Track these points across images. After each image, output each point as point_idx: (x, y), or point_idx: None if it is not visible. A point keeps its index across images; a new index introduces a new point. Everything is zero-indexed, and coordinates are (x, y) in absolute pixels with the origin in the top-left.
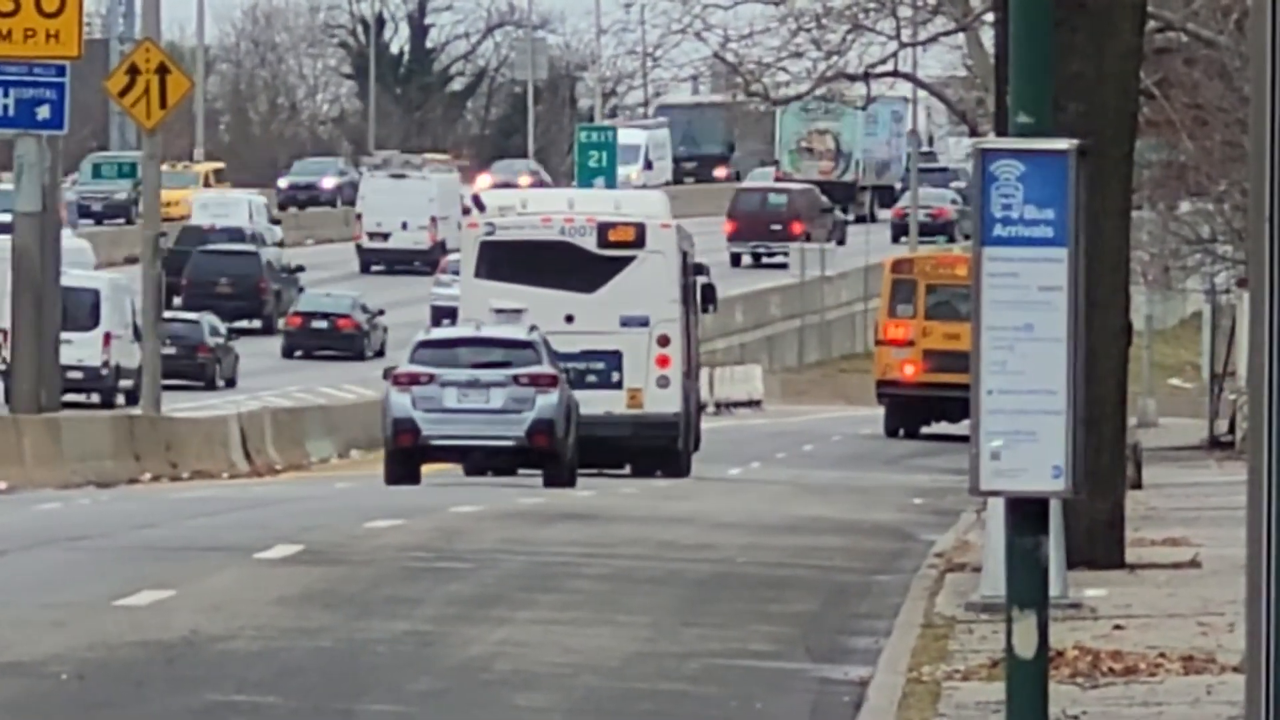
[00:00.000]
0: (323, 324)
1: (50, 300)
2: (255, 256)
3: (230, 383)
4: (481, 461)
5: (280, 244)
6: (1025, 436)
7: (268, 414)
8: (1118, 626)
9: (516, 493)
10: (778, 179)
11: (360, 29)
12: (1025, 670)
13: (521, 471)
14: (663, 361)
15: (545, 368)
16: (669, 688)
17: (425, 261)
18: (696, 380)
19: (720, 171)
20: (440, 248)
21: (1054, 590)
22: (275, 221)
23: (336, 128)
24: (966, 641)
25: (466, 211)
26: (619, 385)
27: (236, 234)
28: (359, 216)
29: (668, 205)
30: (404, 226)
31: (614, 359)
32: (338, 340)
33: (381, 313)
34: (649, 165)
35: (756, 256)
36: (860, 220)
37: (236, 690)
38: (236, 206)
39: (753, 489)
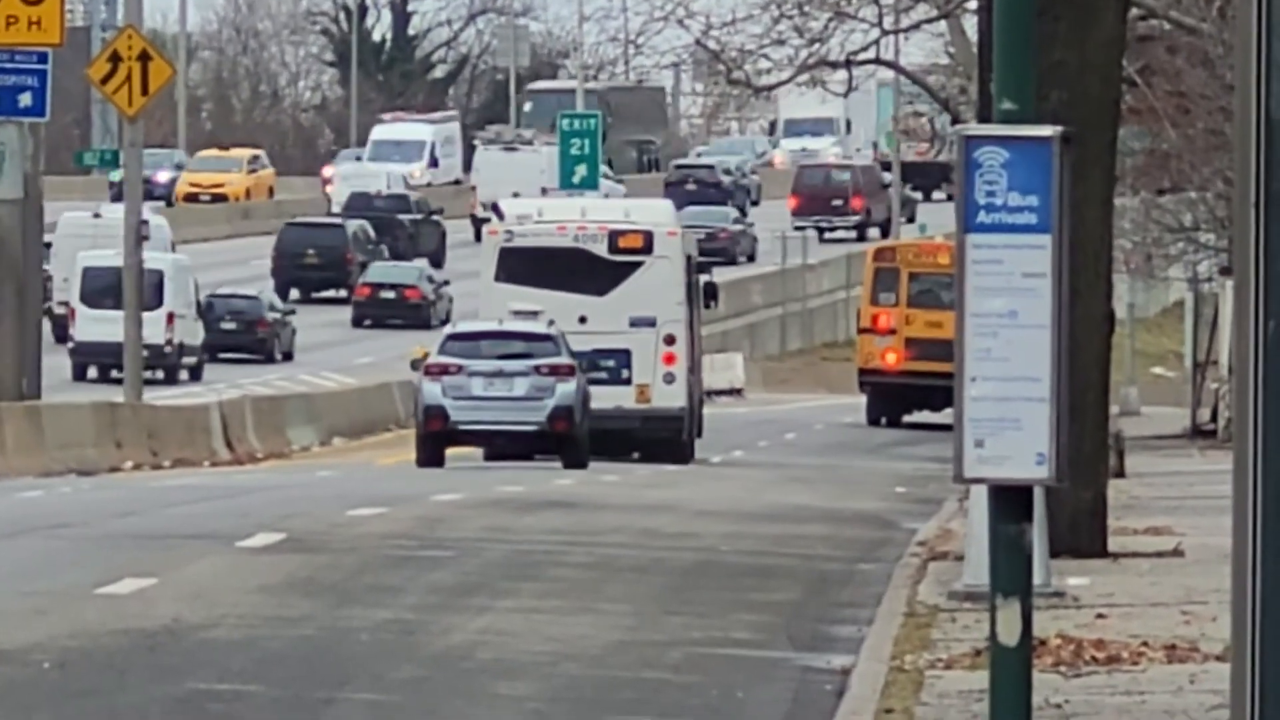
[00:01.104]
0: (390, 294)
1: (33, 288)
2: (341, 229)
3: (288, 356)
4: (505, 446)
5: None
6: (1009, 424)
7: (249, 402)
8: (1100, 615)
9: (510, 478)
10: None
11: (342, 16)
12: (1009, 658)
13: (537, 456)
14: (669, 359)
15: (564, 359)
16: (651, 676)
17: None
18: (699, 374)
19: (330, 170)
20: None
21: (1037, 579)
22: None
23: (319, 115)
24: (949, 630)
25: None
26: (629, 381)
27: (402, 200)
28: (473, 188)
29: (674, 213)
30: (515, 197)
31: (624, 357)
32: (405, 310)
33: (447, 283)
34: (434, 163)
35: (820, 231)
36: (950, 199)
37: (218, 678)
38: (375, 178)
39: (735, 477)
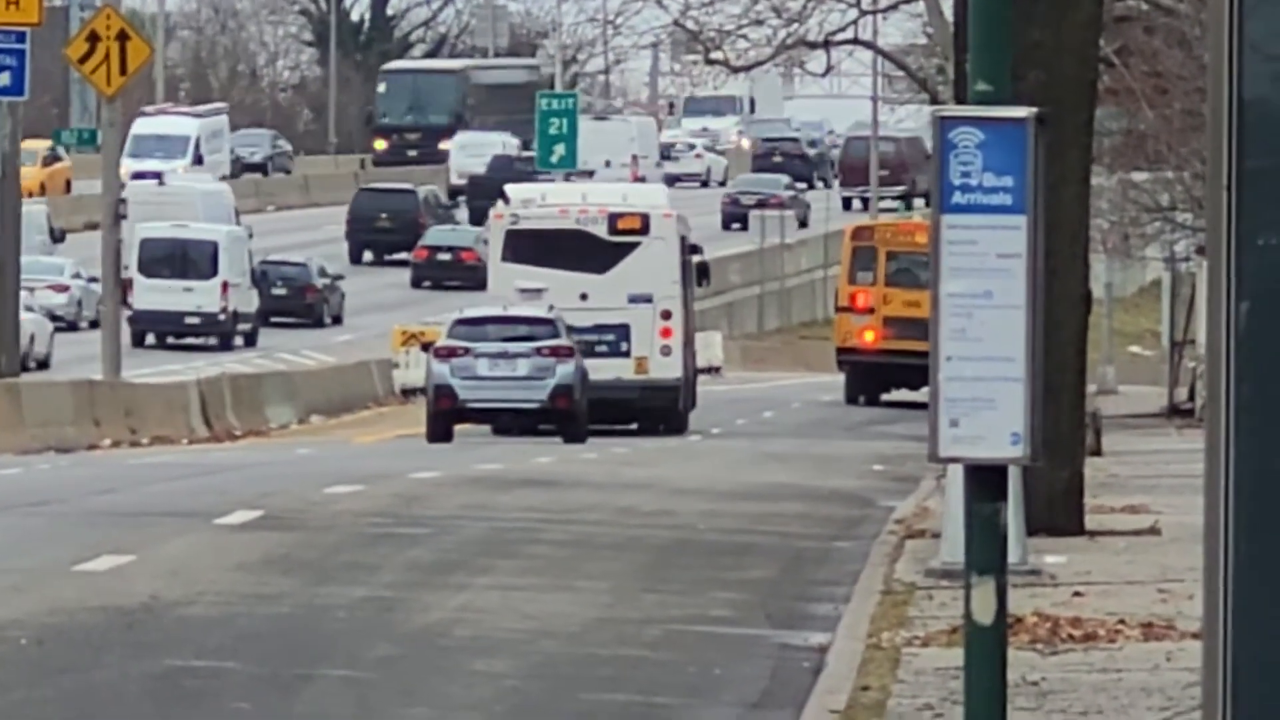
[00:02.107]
0: (446, 256)
1: (10, 267)
2: (413, 194)
3: (337, 320)
4: (509, 421)
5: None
6: (984, 404)
7: (227, 380)
8: (1077, 593)
9: (498, 454)
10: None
11: None
12: (984, 636)
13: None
14: (665, 333)
15: (564, 341)
16: (628, 653)
17: None
18: (693, 348)
19: (447, 144)
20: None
21: (1013, 557)
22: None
23: (297, 95)
24: (926, 608)
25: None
26: (627, 354)
27: (510, 164)
28: None
29: (668, 196)
30: (607, 164)
31: (623, 331)
32: (461, 271)
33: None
34: (199, 159)
35: (865, 201)
36: None
37: (195, 655)
38: (490, 145)
39: (713, 455)
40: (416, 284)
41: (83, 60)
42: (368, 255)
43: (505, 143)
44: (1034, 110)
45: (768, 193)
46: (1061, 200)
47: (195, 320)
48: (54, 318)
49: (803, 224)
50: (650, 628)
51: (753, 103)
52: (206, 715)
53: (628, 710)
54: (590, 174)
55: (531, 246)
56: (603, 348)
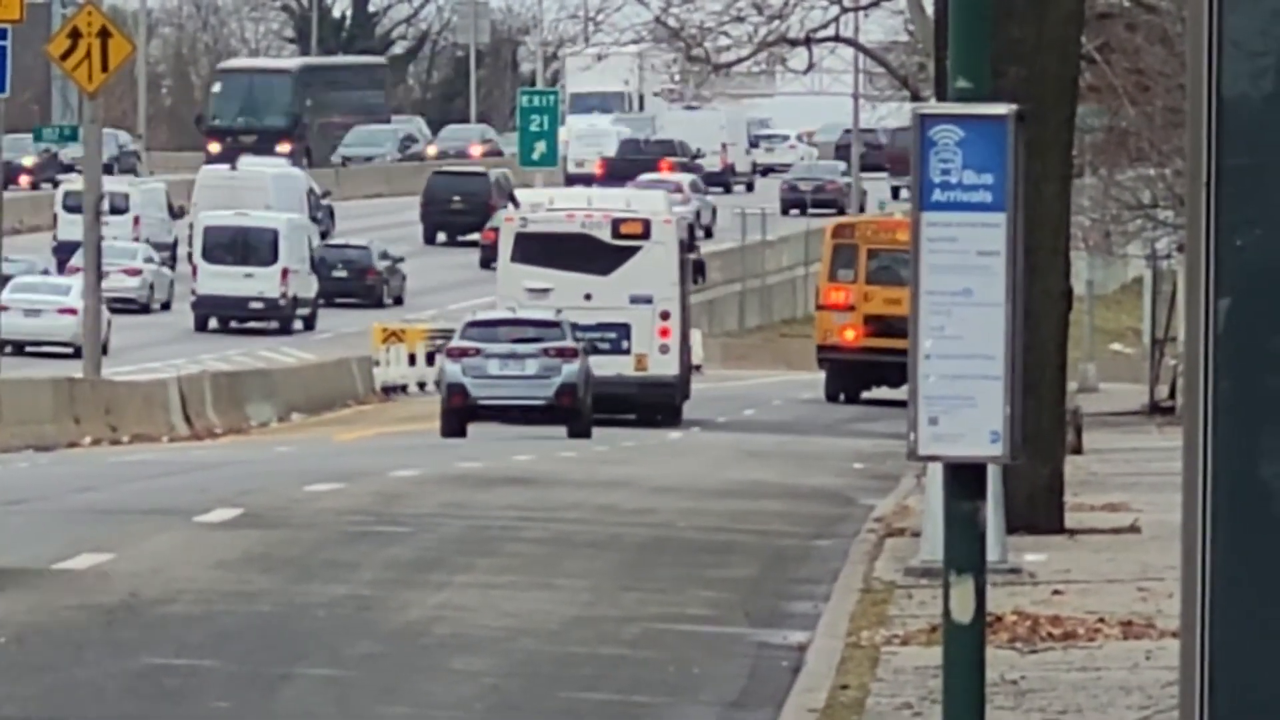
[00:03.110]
0: None
1: None
2: (485, 177)
3: (398, 300)
4: (518, 418)
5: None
6: (963, 402)
7: (207, 377)
8: (1057, 592)
9: (479, 451)
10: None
11: None
12: (962, 635)
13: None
14: (664, 333)
15: (569, 342)
16: (607, 652)
17: (718, 182)
18: (689, 344)
19: (285, 146)
20: (730, 170)
21: (993, 555)
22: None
23: None
24: (905, 606)
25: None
26: (628, 352)
27: (671, 144)
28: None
29: (669, 202)
30: (698, 154)
31: (624, 330)
32: None
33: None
34: None
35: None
36: None
37: (175, 653)
38: (606, 135)
39: (693, 453)
40: (485, 265)
41: (64, 57)
42: (441, 236)
43: (620, 133)
44: (1014, 107)
45: (826, 179)
46: (1043, 197)
47: (257, 305)
48: (126, 301)
49: (861, 209)
50: (630, 626)
51: (641, 99)
52: (187, 713)
53: (607, 708)
54: (511, 195)
55: (539, 249)
56: (605, 345)
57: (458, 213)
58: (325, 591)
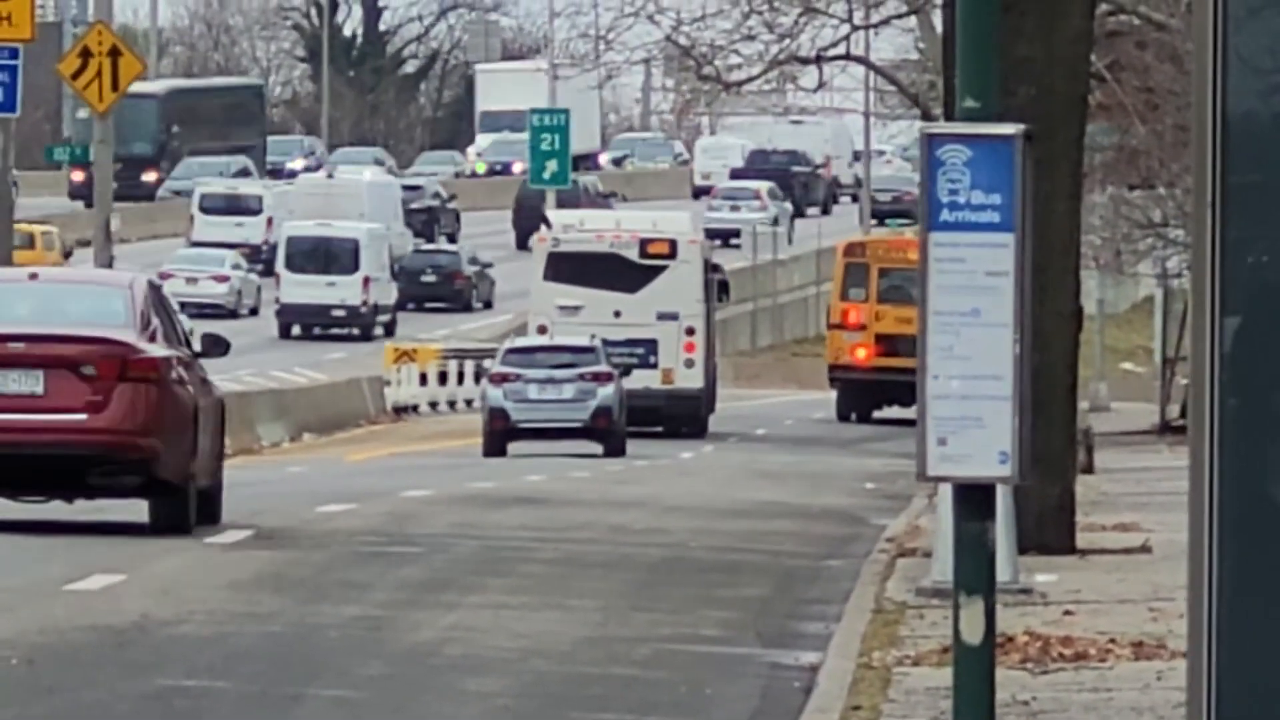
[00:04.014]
0: None
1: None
2: (574, 183)
3: (488, 304)
4: (556, 439)
5: None
6: (972, 422)
7: None
8: (1068, 612)
9: (510, 473)
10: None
11: (314, 11)
12: (972, 656)
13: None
14: (689, 348)
15: (604, 367)
16: (619, 672)
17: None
18: (714, 358)
19: (150, 175)
20: (834, 183)
21: (1005, 575)
22: None
23: (289, 110)
24: (917, 627)
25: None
26: (655, 366)
27: (797, 155)
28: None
29: (694, 223)
30: (801, 164)
31: (651, 345)
32: None
33: None
34: None
35: None
36: None
37: (186, 675)
38: (731, 148)
39: (704, 473)
40: None
41: (75, 76)
42: (533, 241)
43: (743, 147)
44: (1022, 127)
45: (903, 189)
46: (1052, 216)
47: (339, 312)
48: (214, 306)
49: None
50: (641, 646)
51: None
52: None
53: None
54: (544, 217)
55: (570, 268)
56: (633, 360)
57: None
58: (337, 612)
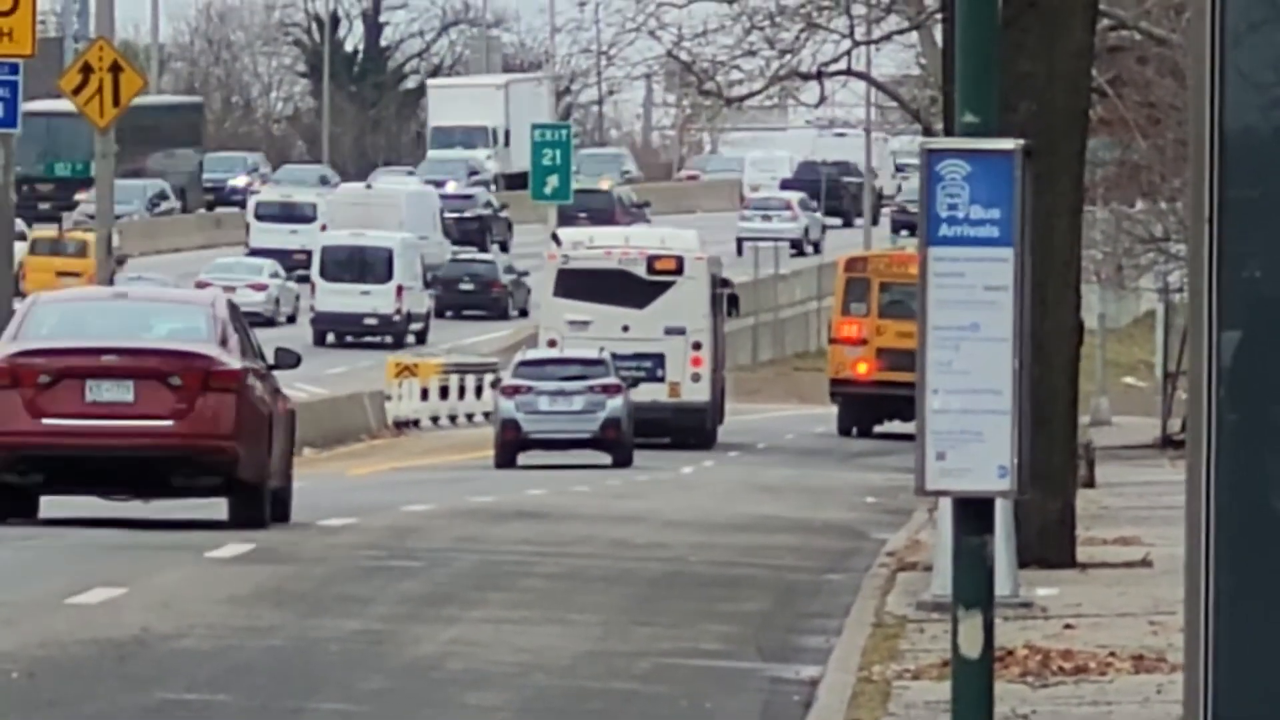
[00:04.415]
0: None
1: (3, 298)
2: (609, 194)
3: (523, 313)
4: (566, 449)
5: None
6: (971, 436)
7: None
8: (1068, 625)
9: (501, 487)
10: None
11: (315, 27)
12: (971, 670)
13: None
14: (696, 362)
15: (612, 379)
16: (619, 686)
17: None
18: (722, 371)
19: (81, 194)
20: (879, 196)
21: (1005, 589)
22: None
23: (291, 126)
24: (917, 641)
25: None
26: (663, 379)
27: (847, 166)
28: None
29: (700, 241)
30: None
31: (659, 360)
32: None
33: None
34: None
35: None
36: None
37: (187, 688)
38: (778, 161)
39: (705, 487)
40: None
41: (76, 92)
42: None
43: (793, 159)
44: (1021, 142)
45: None
46: (1053, 231)
47: (372, 321)
48: (252, 315)
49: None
50: (641, 661)
51: (507, 134)
52: None
53: None
54: (554, 235)
55: (580, 284)
56: (641, 374)
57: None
58: (337, 626)
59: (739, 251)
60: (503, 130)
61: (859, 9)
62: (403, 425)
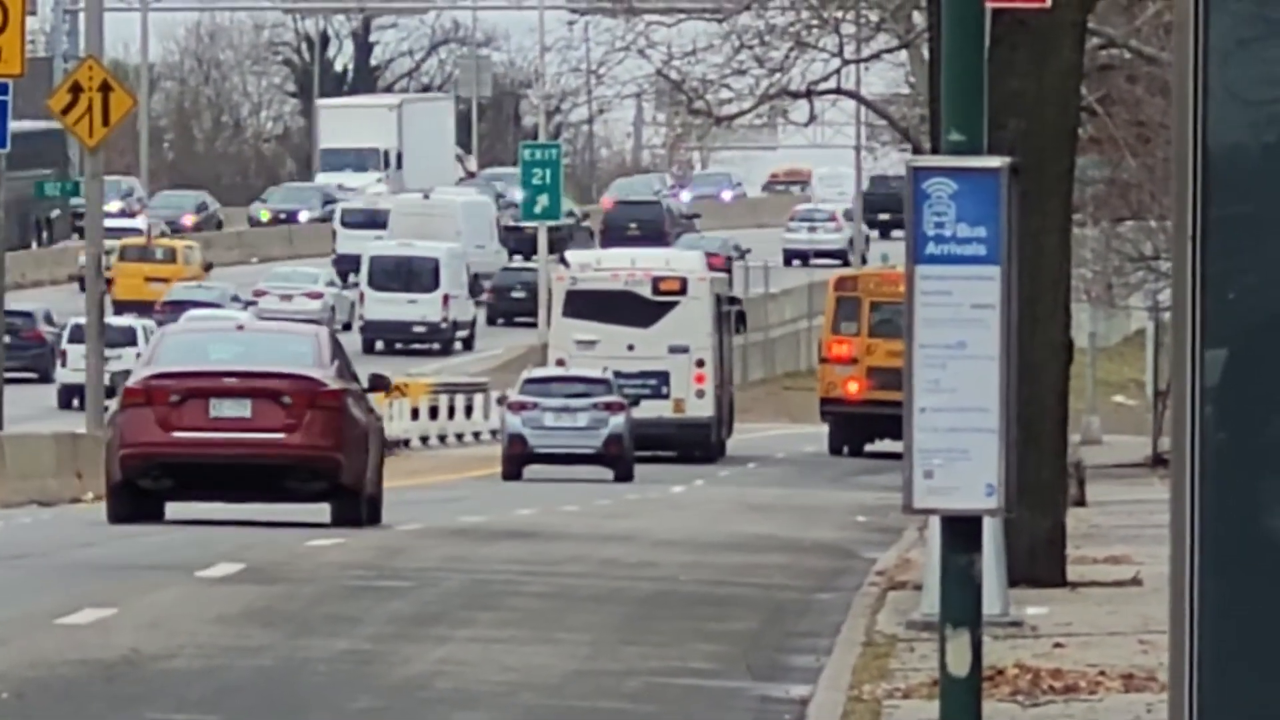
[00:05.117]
0: None
1: None
2: (658, 205)
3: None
4: (570, 464)
5: None
6: (958, 455)
7: None
8: (1058, 644)
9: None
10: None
11: (304, 47)
12: (959, 688)
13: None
14: (699, 379)
15: (615, 397)
16: (608, 706)
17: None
18: (730, 386)
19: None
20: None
21: (995, 608)
22: None
23: (281, 145)
24: (907, 660)
25: None
26: (667, 396)
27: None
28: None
29: (705, 261)
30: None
31: (664, 377)
32: None
33: (749, 250)
34: None
35: None
36: None
37: (176, 709)
38: (846, 180)
39: (695, 506)
40: None
41: (65, 111)
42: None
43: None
44: (1008, 160)
45: None
46: (1042, 249)
47: (420, 329)
48: (309, 322)
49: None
50: (631, 680)
51: (400, 157)
52: None
53: None
54: (562, 257)
55: (587, 305)
56: (647, 391)
57: (635, 239)
58: (326, 646)
59: (786, 263)
60: (395, 152)
61: (848, 28)
62: (393, 445)
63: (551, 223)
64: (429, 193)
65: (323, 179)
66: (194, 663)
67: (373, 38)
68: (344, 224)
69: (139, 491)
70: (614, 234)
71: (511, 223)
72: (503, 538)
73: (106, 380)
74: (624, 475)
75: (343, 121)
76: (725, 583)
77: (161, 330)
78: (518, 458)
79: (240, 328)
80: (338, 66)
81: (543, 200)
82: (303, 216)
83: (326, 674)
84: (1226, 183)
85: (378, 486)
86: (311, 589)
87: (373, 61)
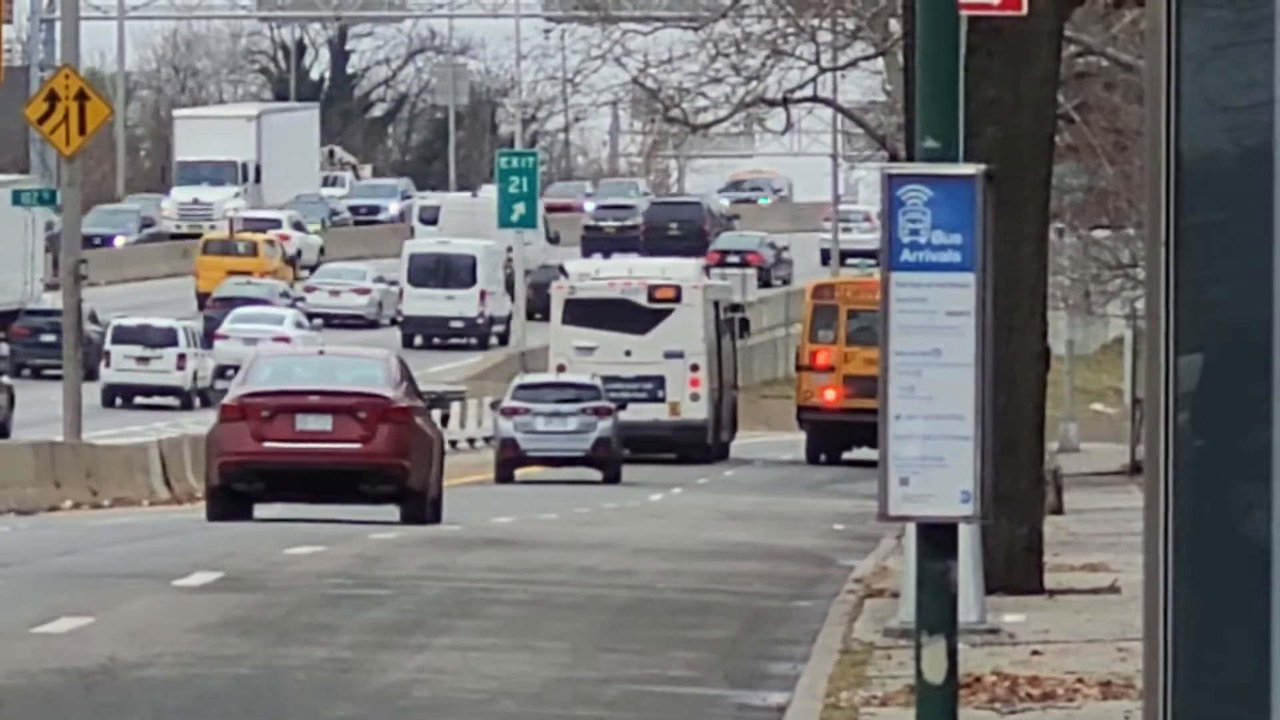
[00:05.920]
0: (735, 259)
1: None
2: (699, 205)
3: None
4: (560, 466)
5: None
6: (933, 462)
7: (187, 441)
8: (1036, 652)
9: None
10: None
11: (281, 55)
12: (935, 695)
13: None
14: (694, 383)
15: (603, 403)
16: (586, 714)
17: None
18: (732, 389)
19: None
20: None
21: (972, 615)
22: None
23: None
24: (884, 667)
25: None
26: (663, 400)
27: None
28: None
29: (700, 270)
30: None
31: (659, 381)
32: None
33: (786, 248)
34: None
35: None
36: None
37: (154, 717)
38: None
39: (674, 514)
40: None
41: (42, 120)
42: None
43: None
44: (982, 167)
45: None
46: (1019, 256)
47: (457, 324)
48: (356, 317)
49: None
50: (609, 687)
51: (259, 170)
52: None
53: None
54: (561, 267)
55: (585, 312)
56: (643, 395)
57: (676, 238)
58: (304, 655)
59: (824, 262)
60: (253, 165)
61: (825, 36)
62: None
63: (630, 222)
64: (476, 190)
65: (178, 193)
66: (172, 671)
67: (349, 46)
68: (421, 220)
69: (233, 494)
70: (654, 236)
71: (591, 222)
72: (480, 546)
73: (143, 380)
74: (612, 476)
75: (199, 133)
76: (703, 590)
77: (255, 353)
78: (510, 460)
79: (321, 352)
80: (314, 75)
81: (519, 209)
82: (119, 241)
83: (305, 683)
84: (1200, 189)
85: (439, 490)
86: (290, 597)
87: (349, 70)
